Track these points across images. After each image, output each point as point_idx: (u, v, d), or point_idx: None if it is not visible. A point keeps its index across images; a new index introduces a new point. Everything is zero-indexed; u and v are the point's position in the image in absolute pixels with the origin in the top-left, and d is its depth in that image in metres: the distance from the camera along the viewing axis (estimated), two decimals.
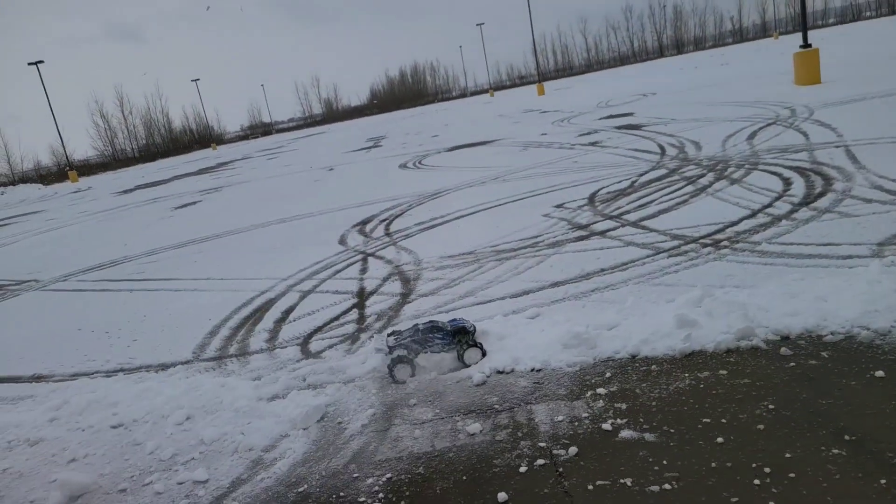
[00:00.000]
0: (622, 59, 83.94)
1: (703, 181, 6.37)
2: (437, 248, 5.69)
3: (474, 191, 8.36)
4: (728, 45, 73.59)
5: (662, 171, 7.25)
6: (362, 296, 4.70)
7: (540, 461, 2.23)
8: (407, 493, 2.20)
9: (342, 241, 6.69)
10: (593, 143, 10.72)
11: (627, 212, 5.69)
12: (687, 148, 8.55)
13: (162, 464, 2.65)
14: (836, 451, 2.01)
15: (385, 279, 5.03)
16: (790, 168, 6.23)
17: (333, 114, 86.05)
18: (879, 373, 2.40)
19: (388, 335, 3.40)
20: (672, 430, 2.27)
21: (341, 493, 2.26)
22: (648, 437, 2.26)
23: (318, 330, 4.11)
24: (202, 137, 67.19)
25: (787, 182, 5.73)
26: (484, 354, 3.15)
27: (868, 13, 72.24)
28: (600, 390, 2.65)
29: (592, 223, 5.52)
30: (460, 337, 3.17)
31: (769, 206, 5.07)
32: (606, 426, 2.37)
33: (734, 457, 2.07)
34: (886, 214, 4.31)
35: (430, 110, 51.46)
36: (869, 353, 2.57)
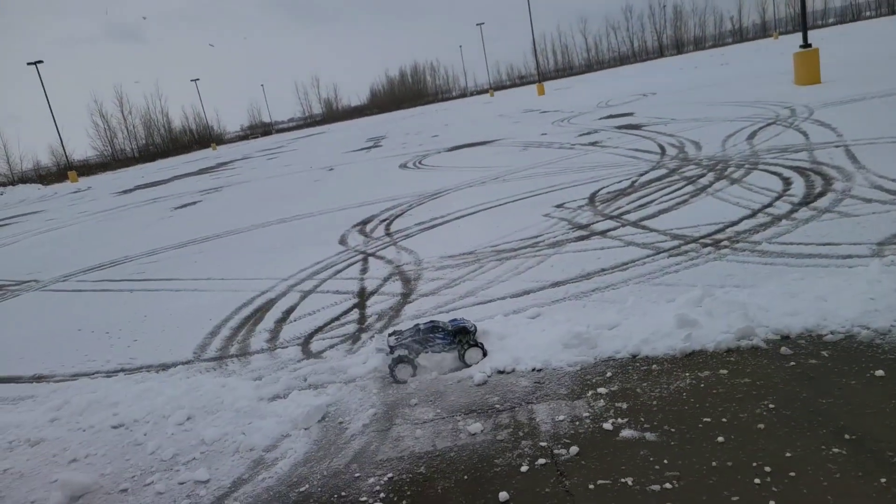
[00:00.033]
0: (622, 59, 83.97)
1: (704, 181, 6.37)
2: (437, 248, 5.69)
3: (474, 191, 8.36)
4: (728, 44, 73.62)
5: (662, 171, 7.25)
6: (363, 296, 4.70)
7: (541, 460, 2.23)
8: (408, 493, 2.20)
9: (342, 241, 6.70)
10: (593, 143, 10.73)
11: (628, 212, 5.70)
12: (687, 148, 8.56)
13: (163, 464, 2.66)
14: (836, 450, 2.01)
15: (386, 279, 5.03)
16: (790, 168, 6.24)
17: (333, 114, 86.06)
18: (879, 372, 2.41)
19: (389, 335, 3.40)
20: (673, 430, 2.28)
21: (343, 493, 2.26)
22: (649, 436, 2.26)
23: (319, 330, 4.12)
24: (202, 137, 67.20)
25: (787, 182, 5.73)
26: (485, 354, 3.15)
27: (868, 13, 72.28)
28: (601, 390, 2.65)
29: (593, 223, 5.53)
30: (461, 337, 3.17)
31: (769, 205, 5.08)
32: (607, 425, 2.37)
33: (735, 456, 2.07)
34: (886, 214, 4.32)
35: (430, 110, 51.46)
36: (869, 352, 2.57)
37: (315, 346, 3.85)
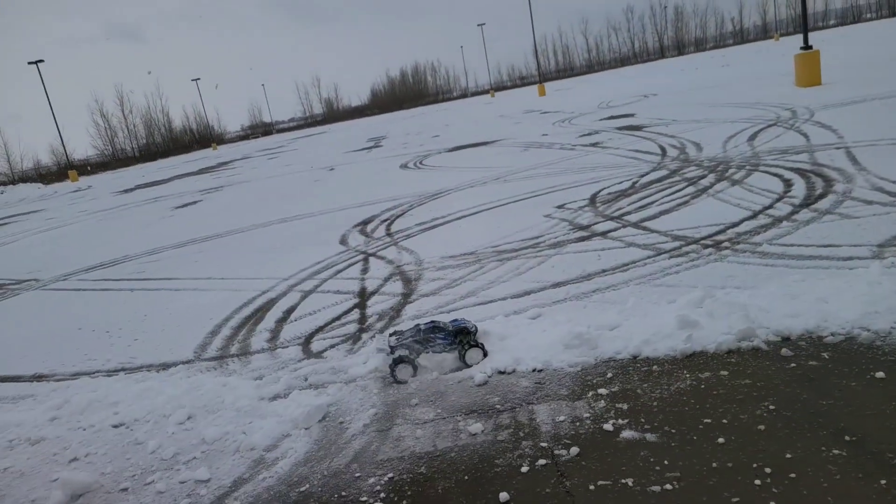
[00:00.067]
0: (623, 60, 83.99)
1: (704, 182, 6.38)
2: (438, 248, 5.70)
3: (475, 191, 8.36)
4: (729, 46, 73.62)
5: (663, 172, 7.26)
6: (363, 296, 4.70)
7: (541, 461, 2.23)
8: (409, 493, 2.20)
9: (343, 241, 6.70)
10: (594, 144, 10.73)
11: (628, 213, 5.70)
12: (688, 149, 8.56)
13: (163, 463, 2.66)
14: (836, 451, 2.01)
15: (386, 279, 5.03)
16: (791, 169, 6.24)
17: (334, 114, 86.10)
18: (880, 374, 2.41)
19: (390, 335, 3.40)
20: (673, 431, 2.28)
21: (343, 493, 2.27)
22: (650, 437, 2.26)
23: (320, 330, 4.12)
24: (202, 137, 67.22)
25: (788, 183, 5.74)
26: (485, 355, 3.16)
27: (868, 15, 72.30)
28: (602, 390, 2.65)
29: (594, 224, 5.53)
30: (462, 337, 3.18)
31: (770, 207, 5.08)
32: (608, 426, 2.37)
33: (735, 457, 2.07)
34: (887, 216, 4.32)
35: (430, 110, 51.48)
36: (869, 354, 2.57)
37: (316, 345, 3.85)
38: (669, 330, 2.97)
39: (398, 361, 3.12)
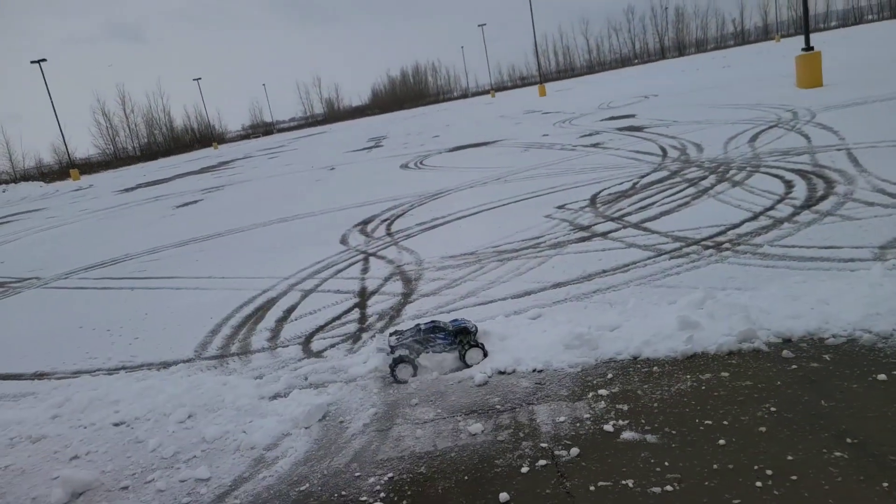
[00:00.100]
0: (624, 61, 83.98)
1: (705, 183, 6.37)
2: (438, 248, 5.70)
3: (476, 191, 8.36)
4: (730, 47, 73.58)
5: (664, 173, 7.25)
6: (364, 295, 4.70)
7: (541, 462, 2.23)
8: (408, 493, 2.20)
9: (343, 241, 6.70)
10: (595, 145, 10.73)
11: (629, 213, 5.70)
12: (689, 150, 8.56)
13: (164, 461, 2.66)
14: (837, 453, 2.01)
15: (386, 279, 5.03)
16: (792, 171, 6.24)
17: (335, 114, 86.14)
18: (881, 376, 2.41)
19: (390, 335, 3.40)
20: (674, 432, 2.28)
21: (343, 493, 2.27)
22: (650, 438, 2.26)
23: (320, 329, 4.12)
24: (203, 136, 67.25)
25: (789, 185, 5.73)
26: (485, 355, 3.16)
27: (870, 16, 72.26)
28: (602, 391, 2.65)
29: (594, 224, 5.53)
30: (462, 337, 3.17)
31: (771, 208, 5.08)
32: (608, 427, 2.37)
33: (736, 459, 2.07)
34: (888, 217, 4.31)
35: (431, 111, 51.48)
36: (871, 356, 2.57)
37: (316, 345, 3.85)
38: (670, 331, 2.96)
39: (398, 361, 3.12)
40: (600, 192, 6.82)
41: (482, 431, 2.50)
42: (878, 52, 20.56)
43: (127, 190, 21.70)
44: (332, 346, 3.78)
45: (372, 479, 2.31)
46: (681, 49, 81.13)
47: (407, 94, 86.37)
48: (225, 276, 6.06)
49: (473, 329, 3.21)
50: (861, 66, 16.59)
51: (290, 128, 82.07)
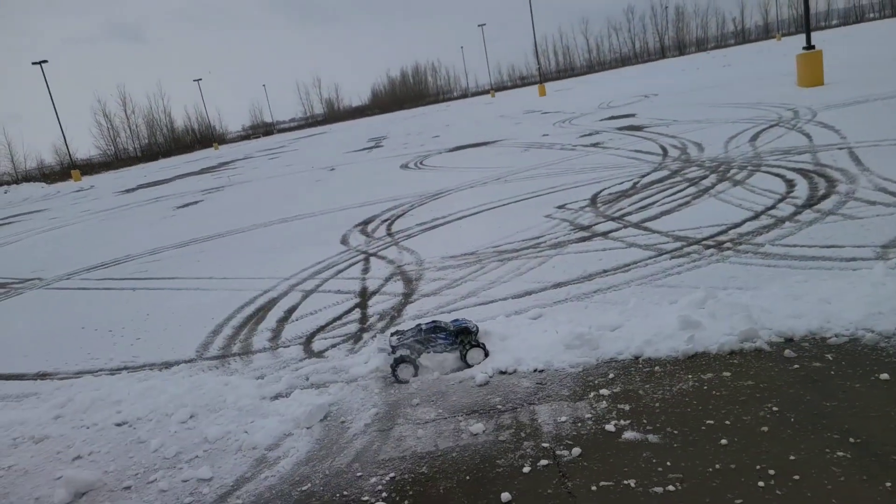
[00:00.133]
0: (624, 60, 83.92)
1: (706, 183, 6.37)
2: (438, 248, 5.70)
3: (476, 191, 8.36)
4: (730, 46, 73.50)
5: (665, 173, 7.25)
6: (364, 295, 4.71)
7: (543, 462, 2.23)
8: (410, 493, 2.20)
9: (344, 241, 6.70)
10: (595, 145, 10.72)
11: (629, 213, 5.69)
12: (689, 149, 8.55)
13: (166, 461, 2.66)
14: (840, 453, 2.01)
15: (387, 279, 5.03)
16: (793, 170, 6.23)
17: (335, 114, 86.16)
18: (884, 375, 2.40)
19: (391, 335, 3.40)
20: (675, 432, 2.28)
21: (345, 492, 2.27)
22: (652, 438, 2.26)
23: (321, 329, 4.12)
24: (204, 137, 67.31)
25: (791, 184, 5.73)
26: (486, 355, 3.16)
27: (871, 14, 72.16)
28: (603, 391, 2.65)
29: (594, 224, 5.52)
30: (463, 337, 3.18)
31: (772, 207, 5.07)
32: (610, 427, 2.37)
33: (738, 458, 2.07)
34: (890, 217, 4.31)
35: (431, 111, 51.48)
36: (873, 355, 2.56)
37: (317, 345, 3.86)
38: (671, 331, 2.96)
39: (399, 361, 3.12)
40: (601, 191, 6.81)
41: (484, 431, 2.50)
42: (880, 50, 20.52)
43: (128, 191, 21.72)
44: (334, 346, 3.79)
45: (374, 479, 2.31)
46: (681, 48, 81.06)
47: (407, 94, 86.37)
48: (226, 277, 6.06)
49: (474, 329, 3.21)
50: (862, 64, 16.56)
51: (290, 128, 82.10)
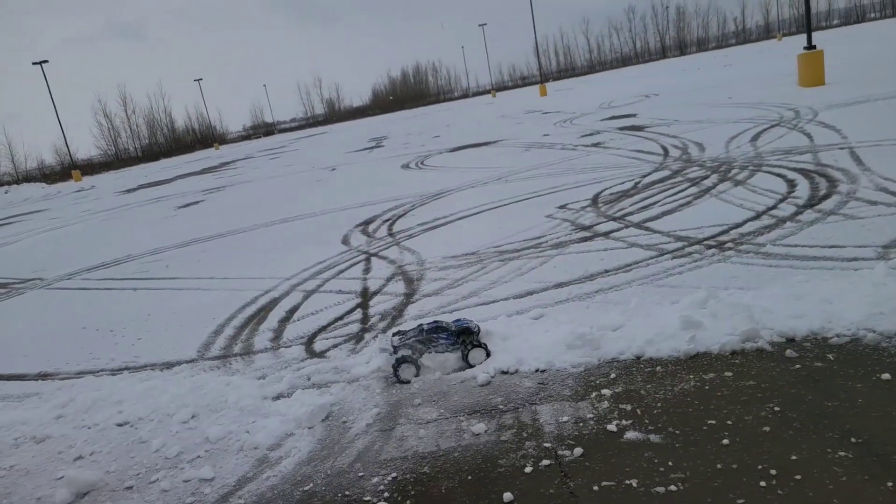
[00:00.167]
0: (624, 60, 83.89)
1: (707, 183, 6.37)
2: (440, 248, 5.70)
3: (477, 191, 8.36)
4: (731, 46, 73.48)
5: (666, 173, 7.25)
6: (366, 296, 4.71)
7: (545, 461, 2.23)
8: (412, 493, 2.20)
9: (345, 241, 6.70)
10: (596, 145, 10.72)
11: (631, 213, 5.69)
12: (690, 149, 8.55)
13: (168, 462, 2.66)
14: (842, 453, 2.01)
15: (388, 279, 5.03)
16: (794, 170, 6.23)
17: (335, 114, 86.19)
18: (886, 375, 2.40)
19: (393, 335, 3.41)
20: (677, 432, 2.28)
21: (347, 492, 2.27)
22: (654, 438, 2.26)
23: (323, 329, 4.12)
24: (205, 137, 67.36)
25: (792, 184, 5.72)
26: (488, 355, 3.16)
27: (872, 14, 72.10)
28: (605, 391, 2.65)
29: (596, 224, 5.52)
30: (464, 337, 3.18)
31: (773, 207, 5.07)
32: (611, 427, 2.37)
33: (740, 458, 2.07)
34: (891, 217, 4.30)
35: (432, 111, 51.49)
36: (875, 355, 2.56)
37: (318, 345, 3.86)
38: (673, 331, 2.96)
39: (401, 361, 3.12)
40: (602, 191, 6.81)
41: (485, 431, 2.50)
42: (881, 50, 20.51)
43: (129, 191, 21.74)
44: (335, 346, 3.79)
45: (375, 479, 2.31)
46: (682, 48, 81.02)
47: (408, 94, 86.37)
48: (227, 277, 6.07)
49: (476, 329, 3.22)
50: (863, 64, 16.55)
51: (290, 128, 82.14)
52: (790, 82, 14.77)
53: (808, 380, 2.47)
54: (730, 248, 4.26)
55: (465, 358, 3.14)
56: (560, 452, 2.27)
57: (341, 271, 5.54)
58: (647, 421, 2.37)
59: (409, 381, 3.09)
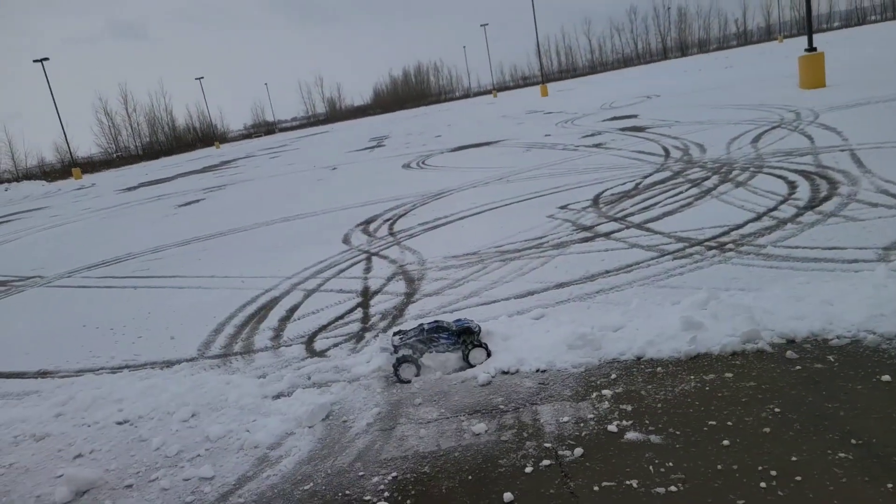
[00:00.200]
0: (626, 61, 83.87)
1: (708, 184, 6.37)
2: (441, 248, 5.70)
3: (478, 191, 8.36)
4: (732, 47, 73.41)
5: (667, 174, 7.25)
6: (367, 295, 4.71)
7: (545, 462, 2.23)
8: (412, 493, 2.20)
9: (346, 241, 6.70)
10: (597, 145, 10.72)
11: (632, 214, 5.69)
12: (691, 150, 8.55)
13: (168, 460, 2.66)
14: (842, 454, 2.01)
15: (389, 279, 5.03)
16: (795, 171, 6.23)
17: (336, 113, 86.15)
18: (886, 377, 2.40)
19: (393, 335, 3.41)
20: (678, 433, 2.28)
21: (347, 492, 2.27)
22: (654, 438, 2.26)
23: (323, 328, 4.12)
24: (206, 135, 67.33)
25: (793, 185, 5.72)
26: (489, 355, 3.16)
27: (873, 17, 72.06)
28: (606, 392, 2.65)
29: (597, 225, 5.52)
30: (465, 337, 3.18)
31: (774, 209, 5.07)
32: (612, 427, 2.37)
33: (740, 459, 2.07)
34: (892, 219, 4.31)
35: (433, 110, 51.49)
36: (875, 357, 2.56)
37: (319, 344, 3.86)
38: (673, 331, 2.96)
39: (402, 361, 3.12)
40: (603, 192, 6.81)
41: (486, 431, 2.51)
42: (882, 52, 20.51)
43: (129, 189, 21.74)
44: (336, 345, 3.79)
45: (376, 479, 2.31)
46: (683, 49, 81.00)
47: (409, 93, 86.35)
48: (227, 276, 6.07)
49: (477, 329, 3.22)
50: (864, 66, 16.55)
51: (291, 127, 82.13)
52: (791, 84, 14.77)
53: (808, 381, 2.47)
54: (731, 250, 4.26)
55: (465, 358, 3.15)
56: (560, 452, 2.27)
57: (342, 270, 5.54)
58: (647, 421, 2.37)
59: (409, 381, 3.09)
